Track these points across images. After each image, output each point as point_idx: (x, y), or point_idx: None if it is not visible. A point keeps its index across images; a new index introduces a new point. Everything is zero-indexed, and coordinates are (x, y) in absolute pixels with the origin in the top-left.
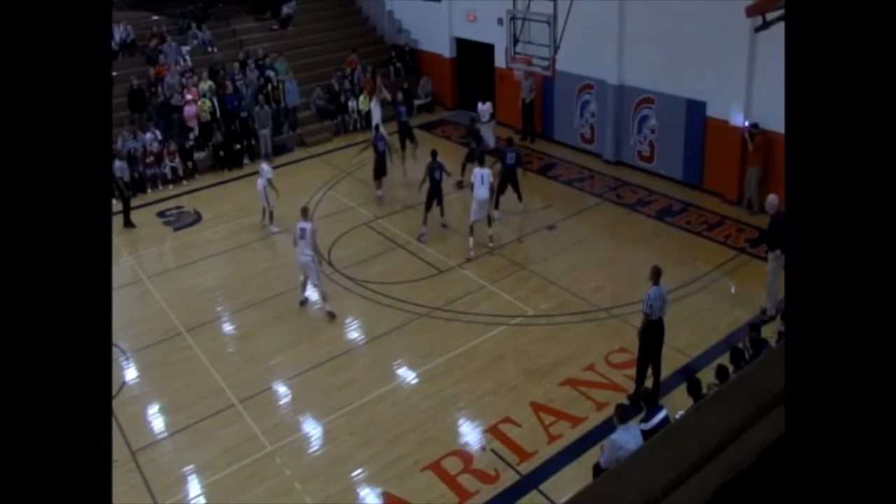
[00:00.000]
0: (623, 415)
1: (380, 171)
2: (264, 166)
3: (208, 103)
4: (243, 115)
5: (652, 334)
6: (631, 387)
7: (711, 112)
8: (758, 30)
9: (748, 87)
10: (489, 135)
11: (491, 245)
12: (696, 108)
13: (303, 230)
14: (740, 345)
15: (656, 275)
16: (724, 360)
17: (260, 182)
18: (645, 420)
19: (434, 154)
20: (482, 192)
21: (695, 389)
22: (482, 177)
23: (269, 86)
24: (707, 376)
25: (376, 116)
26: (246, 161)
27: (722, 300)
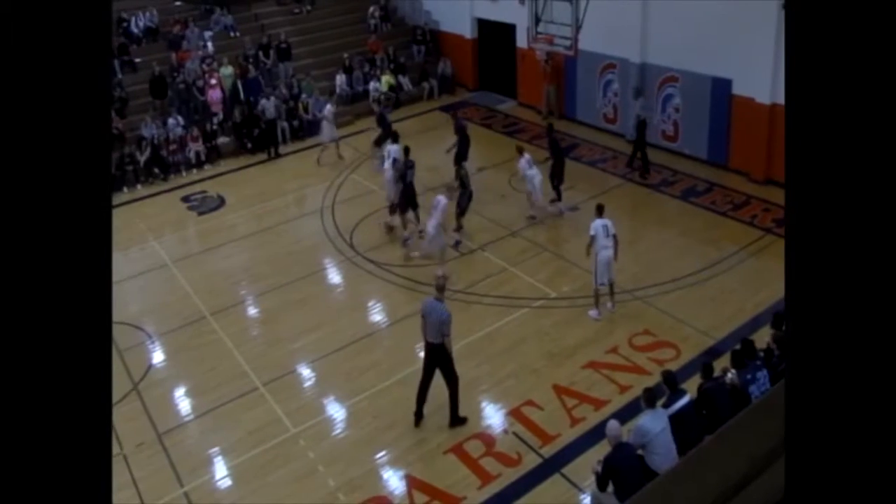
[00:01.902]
0: (650, 398)
1: (412, 203)
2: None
3: (232, 79)
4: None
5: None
6: (656, 370)
7: (737, 90)
8: (785, 5)
9: (775, 64)
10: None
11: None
12: (721, 86)
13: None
14: (758, 340)
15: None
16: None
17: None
18: (666, 405)
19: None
20: (533, 173)
21: (708, 375)
22: (528, 161)
23: (300, 105)
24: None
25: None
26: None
27: (748, 282)
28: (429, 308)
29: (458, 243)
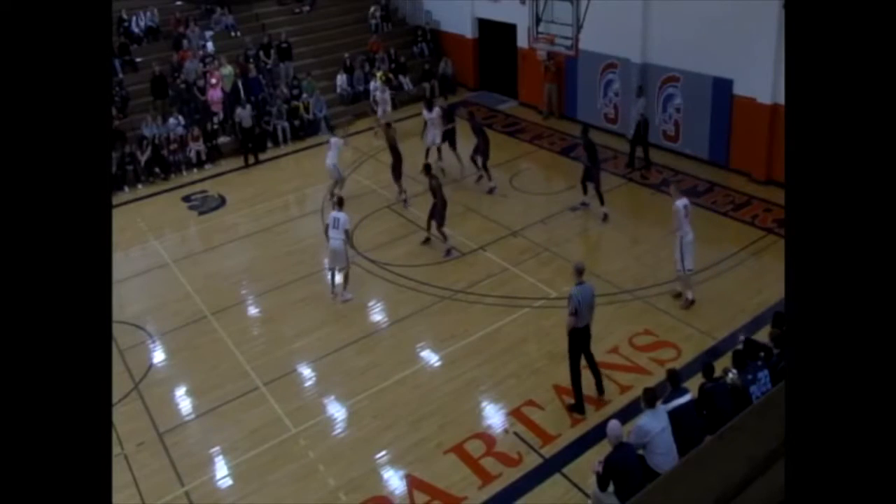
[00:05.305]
0: (650, 398)
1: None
2: (333, 139)
3: (232, 79)
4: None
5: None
6: (656, 370)
7: (738, 90)
8: (786, 5)
9: (776, 64)
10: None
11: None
12: (722, 86)
13: (336, 219)
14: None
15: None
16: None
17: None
18: (666, 401)
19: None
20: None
21: (709, 375)
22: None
23: (300, 106)
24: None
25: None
26: (269, 145)
27: (749, 282)
28: (586, 293)
29: (448, 251)
